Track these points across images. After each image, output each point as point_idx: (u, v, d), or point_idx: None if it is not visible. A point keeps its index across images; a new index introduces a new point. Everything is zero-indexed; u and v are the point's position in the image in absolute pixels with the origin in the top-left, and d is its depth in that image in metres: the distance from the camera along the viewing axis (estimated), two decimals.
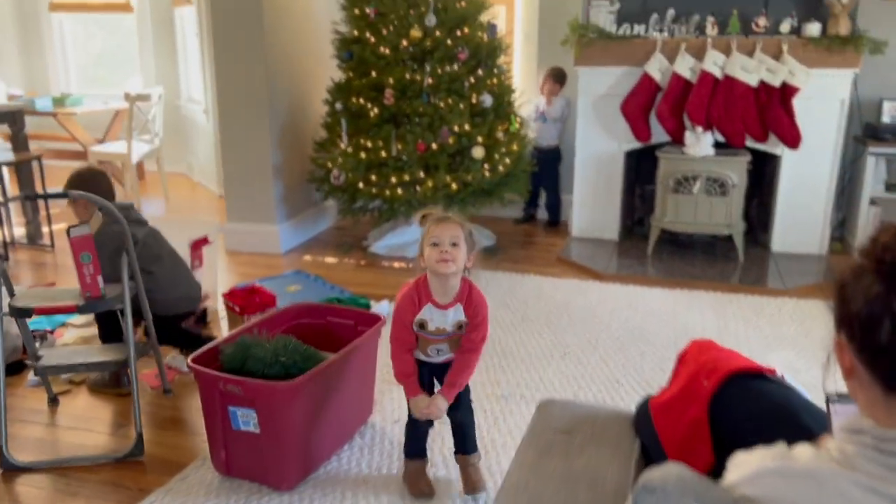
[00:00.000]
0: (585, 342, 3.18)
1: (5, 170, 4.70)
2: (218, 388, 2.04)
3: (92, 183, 2.61)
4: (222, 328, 3.39)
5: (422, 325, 2.00)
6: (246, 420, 2.05)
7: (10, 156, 4.38)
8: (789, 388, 1.44)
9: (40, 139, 6.47)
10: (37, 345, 2.96)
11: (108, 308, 2.29)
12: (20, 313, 2.18)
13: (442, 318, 1.99)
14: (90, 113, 5.83)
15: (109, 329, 2.68)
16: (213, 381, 2.04)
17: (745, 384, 1.43)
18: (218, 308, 3.52)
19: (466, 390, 2.10)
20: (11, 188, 5.21)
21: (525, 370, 2.91)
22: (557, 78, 4.84)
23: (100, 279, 2.23)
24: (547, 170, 4.99)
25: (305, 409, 2.08)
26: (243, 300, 3.25)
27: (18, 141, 4.53)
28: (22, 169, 4.53)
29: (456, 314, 1.99)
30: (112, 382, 2.73)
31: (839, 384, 1.07)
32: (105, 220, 2.45)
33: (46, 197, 2.49)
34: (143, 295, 2.46)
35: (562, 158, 5.00)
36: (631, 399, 2.67)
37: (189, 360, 2.09)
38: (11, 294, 2.30)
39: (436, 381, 2.11)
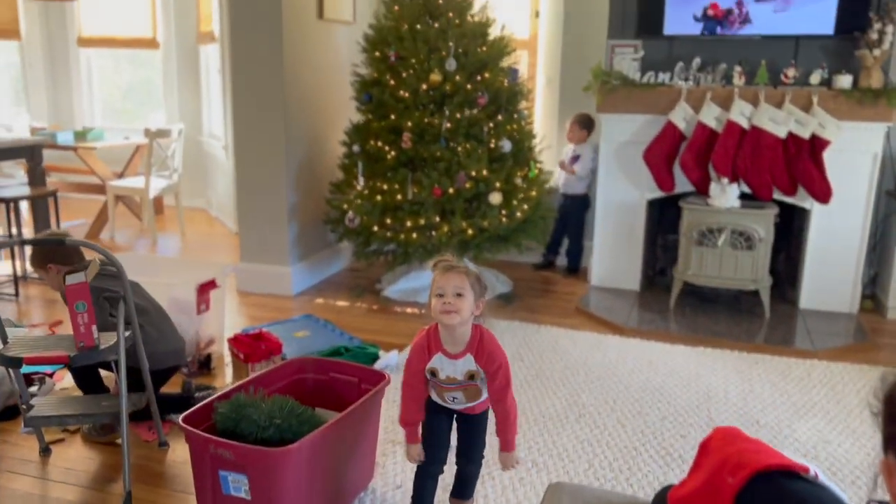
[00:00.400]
0: (602, 402, 3.03)
1: (23, 203, 4.69)
2: (208, 450, 1.93)
3: (56, 249, 2.55)
4: (227, 375, 3.29)
5: (433, 373, 1.99)
6: (237, 486, 1.94)
7: (26, 190, 4.37)
8: (823, 487, 1.30)
9: (61, 171, 6.51)
10: (35, 389, 2.89)
11: (102, 359, 2.20)
12: (9, 363, 2.10)
13: (452, 367, 1.97)
14: (111, 147, 5.85)
15: (86, 380, 2.59)
16: (203, 443, 1.93)
17: (775, 483, 1.29)
18: (224, 353, 3.43)
19: (482, 445, 2.12)
20: (28, 221, 5.21)
21: (538, 432, 2.77)
22: (585, 124, 4.76)
23: (94, 329, 2.15)
24: (573, 217, 4.90)
25: (300, 475, 1.96)
26: (248, 347, 3.15)
27: (35, 175, 4.52)
28: (38, 204, 4.51)
29: (466, 364, 1.96)
30: (107, 430, 2.63)
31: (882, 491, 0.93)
32: (101, 268, 2.38)
33: (40, 243, 2.43)
34: (140, 345, 2.37)
35: (589, 206, 4.88)
36: (650, 470, 2.52)
37: (180, 419, 1.99)
38: (4, 341, 2.22)
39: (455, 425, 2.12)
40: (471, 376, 1.97)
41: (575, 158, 4.78)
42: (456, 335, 1.94)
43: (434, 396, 2.05)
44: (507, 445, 2.03)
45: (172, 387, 3.04)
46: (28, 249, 3.02)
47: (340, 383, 2.39)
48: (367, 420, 2.25)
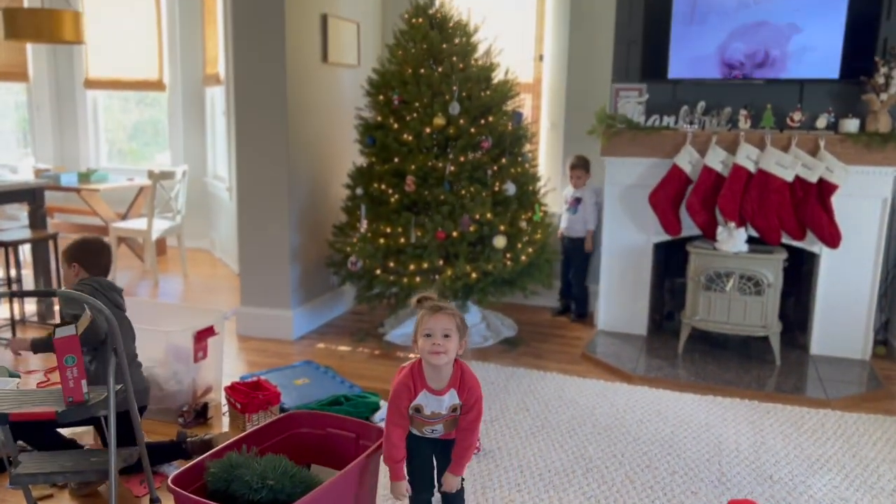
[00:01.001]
0: (610, 456, 2.93)
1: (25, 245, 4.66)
2: None
3: (92, 254, 2.73)
4: (224, 424, 3.21)
5: (417, 410, 2.08)
6: None
7: (26, 233, 4.34)
8: None
9: (64, 212, 6.52)
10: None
11: (92, 415, 2.13)
12: None
13: (437, 403, 2.07)
14: (114, 189, 5.85)
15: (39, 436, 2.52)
16: None
17: None
18: (221, 401, 3.35)
19: (461, 493, 2.20)
20: (28, 263, 5.17)
21: (543, 489, 2.67)
22: (588, 166, 4.71)
23: (84, 383, 2.08)
24: (577, 260, 4.82)
25: None
26: (245, 397, 3.07)
27: (36, 218, 4.50)
28: (38, 246, 4.48)
29: (451, 399, 2.07)
30: (91, 483, 2.55)
31: None
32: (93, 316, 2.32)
33: (34, 294, 2.38)
34: (132, 398, 2.30)
35: (593, 252, 4.81)
36: None
37: (170, 480, 1.91)
38: None
39: (434, 458, 2.21)
40: (454, 409, 2.08)
41: (577, 201, 4.74)
42: (441, 373, 2.04)
43: (413, 430, 2.13)
44: (460, 469, 2.14)
45: (167, 438, 2.97)
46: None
47: (338, 439, 2.31)
48: (365, 479, 2.17)
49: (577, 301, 4.90)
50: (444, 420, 2.09)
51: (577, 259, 4.83)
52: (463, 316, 2.06)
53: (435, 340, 1.97)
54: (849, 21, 3.81)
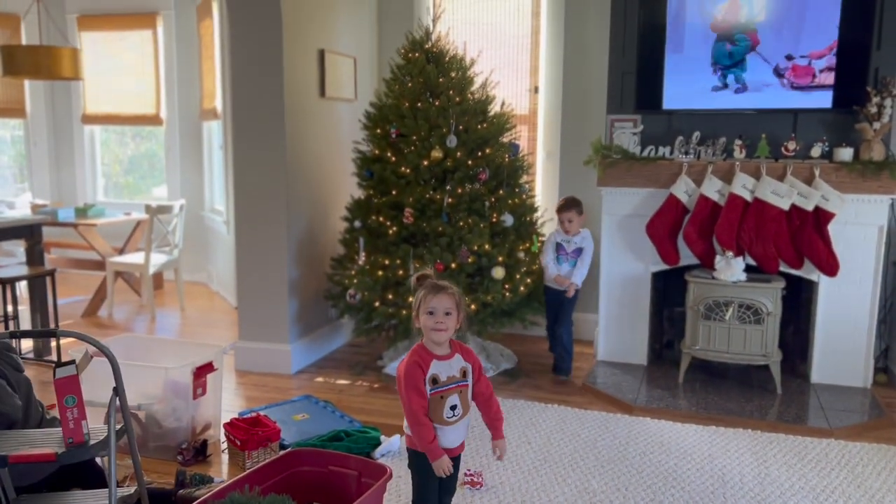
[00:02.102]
0: (614, 489, 2.90)
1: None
2: None
3: None
4: (223, 462, 3.17)
5: (435, 381, 2.18)
6: None
7: (23, 270, 4.33)
8: None
9: (61, 247, 6.51)
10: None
11: (92, 456, 2.10)
12: None
13: (448, 367, 2.21)
14: (111, 223, 5.85)
15: None
16: None
17: None
18: (220, 438, 3.32)
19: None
20: (25, 299, 5.15)
21: None
22: (580, 207, 4.18)
23: (84, 424, 2.06)
24: (565, 309, 4.23)
25: None
26: (245, 433, 3.04)
27: (34, 255, 4.49)
28: (35, 282, 4.47)
29: (458, 361, 2.24)
30: None
31: None
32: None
33: (31, 335, 2.36)
34: (133, 438, 2.27)
35: (578, 299, 4.27)
36: None
37: None
38: None
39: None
40: (464, 373, 2.23)
41: (578, 252, 4.19)
42: (443, 344, 2.21)
43: (436, 424, 2.17)
44: (499, 433, 2.31)
45: (166, 477, 2.94)
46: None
47: (340, 477, 2.29)
48: None
49: (566, 356, 4.29)
50: (459, 390, 2.20)
51: (567, 309, 4.24)
52: (461, 292, 2.24)
53: (438, 318, 2.14)
54: (840, 51, 3.87)
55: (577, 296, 4.23)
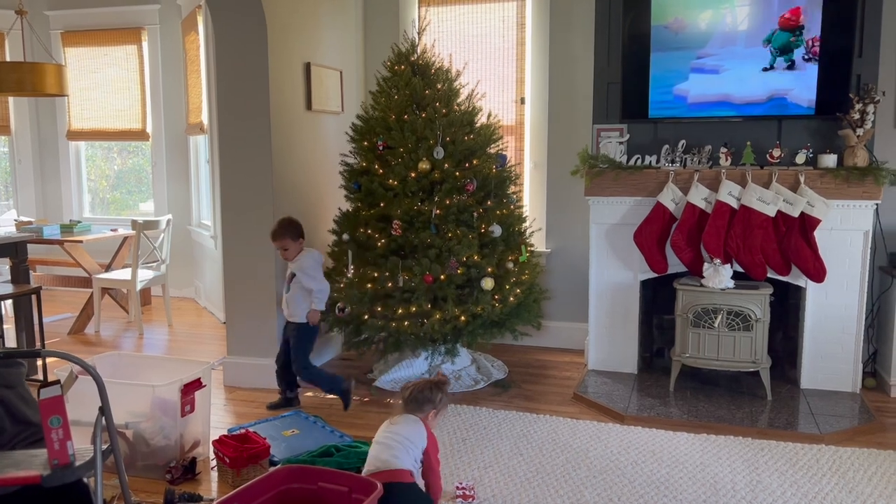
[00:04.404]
0: (607, 500, 2.89)
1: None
2: None
3: None
4: (212, 480, 3.14)
5: None
6: None
7: (8, 289, 4.28)
8: None
9: (47, 264, 6.45)
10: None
11: (78, 477, 2.07)
12: None
13: None
14: (97, 240, 5.81)
15: None
16: None
17: None
18: (210, 456, 3.29)
19: None
20: (9, 318, 5.10)
21: None
22: (294, 232, 3.86)
23: (70, 444, 2.03)
24: (303, 342, 3.90)
25: None
26: (234, 450, 3.01)
27: (19, 273, 4.45)
28: (21, 300, 4.42)
29: None
30: None
31: None
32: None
33: (15, 355, 2.33)
34: (119, 459, 2.25)
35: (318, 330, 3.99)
36: None
37: None
38: None
39: None
40: None
41: (292, 277, 3.91)
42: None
43: None
44: None
45: (155, 496, 2.90)
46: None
47: (330, 493, 2.27)
48: None
49: (322, 383, 3.92)
50: None
51: (305, 340, 3.91)
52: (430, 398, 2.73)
53: None
54: (822, 58, 3.90)
55: (307, 331, 3.91)
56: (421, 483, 2.64)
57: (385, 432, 2.65)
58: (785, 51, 3.94)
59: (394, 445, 2.56)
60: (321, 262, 3.99)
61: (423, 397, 2.72)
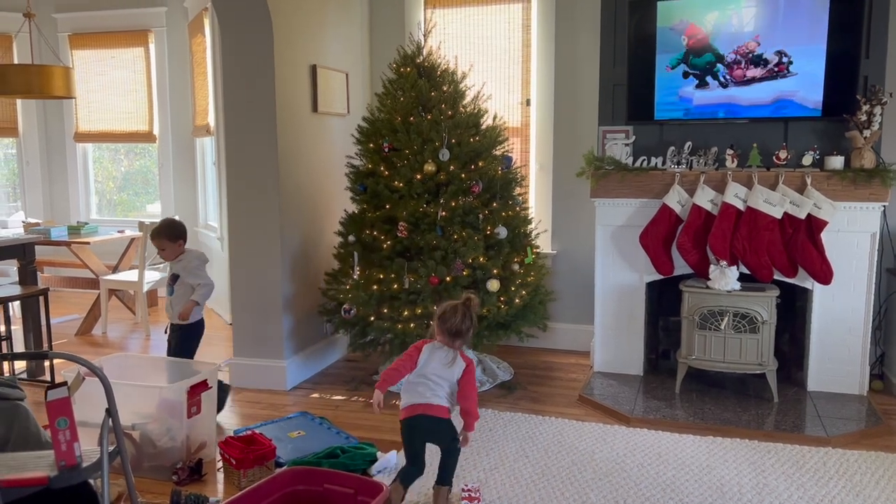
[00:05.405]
0: (612, 502, 2.88)
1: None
2: None
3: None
4: (219, 481, 3.15)
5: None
6: None
7: (16, 290, 4.30)
8: None
9: (54, 266, 6.48)
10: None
11: (85, 479, 2.08)
12: None
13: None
14: (105, 241, 5.83)
15: None
16: None
17: None
18: (216, 457, 3.30)
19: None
20: (17, 318, 5.12)
21: None
22: (174, 233, 3.81)
23: (76, 446, 2.04)
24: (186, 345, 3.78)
25: None
26: (240, 452, 3.02)
27: (27, 274, 4.47)
28: (28, 302, 4.45)
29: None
30: None
31: None
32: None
33: (23, 357, 2.34)
34: (126, 461, 2.26)
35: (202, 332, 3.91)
36: None
37: None
38: None
39: None
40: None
41: (174, 278, 3.83)
42: None
43: None
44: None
45: (161, 497, 2.91)
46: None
47: (336, 495, 2.27)
48: None
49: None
50: None
51: (189, 341, 3.84)
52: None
53: None
54: (829, 60, 3.89)
55: (192, 330, 3.81)
56: (455, 412, 2.81)
57: (421, 374, 2.82)
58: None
59: (432, 387, 2.77)
60: (205, 261, 3.92)
61: (460, 329, 2.82)
